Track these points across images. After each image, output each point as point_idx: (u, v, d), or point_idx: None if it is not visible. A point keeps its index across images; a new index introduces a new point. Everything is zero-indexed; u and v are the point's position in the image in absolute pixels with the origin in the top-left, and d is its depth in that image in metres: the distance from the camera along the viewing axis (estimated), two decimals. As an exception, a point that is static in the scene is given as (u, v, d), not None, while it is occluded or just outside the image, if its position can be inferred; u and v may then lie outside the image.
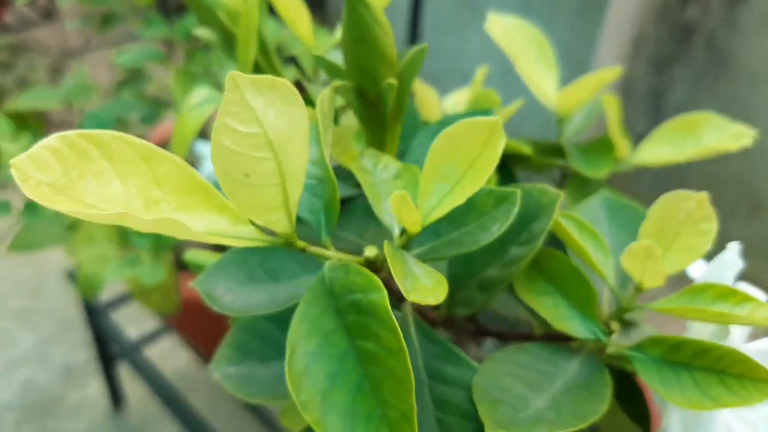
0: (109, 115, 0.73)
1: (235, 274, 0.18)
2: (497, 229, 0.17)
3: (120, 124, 0.79)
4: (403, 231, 0.17)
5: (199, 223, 0.16)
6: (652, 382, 0.18)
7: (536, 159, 0.28)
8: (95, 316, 1.02)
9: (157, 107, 0.78)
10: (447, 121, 0.24)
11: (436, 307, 0.22)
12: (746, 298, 0.18)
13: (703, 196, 0.19)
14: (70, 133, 0.16)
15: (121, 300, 1.09)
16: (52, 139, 0.15)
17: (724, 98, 1.38)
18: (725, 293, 0.18)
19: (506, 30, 0.34)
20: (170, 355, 1.31)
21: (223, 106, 0.14)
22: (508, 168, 0.28)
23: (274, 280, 0.19)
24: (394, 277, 0.15)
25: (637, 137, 1.38)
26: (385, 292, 0.15)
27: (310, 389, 0.14)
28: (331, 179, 0.17)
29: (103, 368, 1.14)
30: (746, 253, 1.09)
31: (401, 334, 0.14)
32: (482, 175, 0.16)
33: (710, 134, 0.31)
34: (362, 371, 0.15)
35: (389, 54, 0.19)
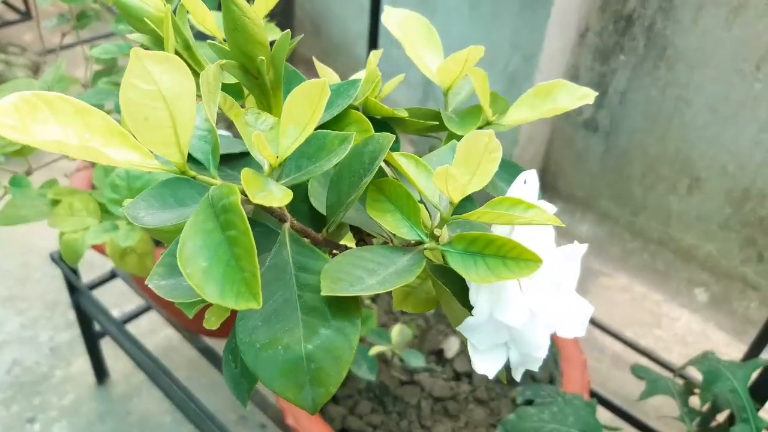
0: (88, 103, 0.78)
1: (154, 203, 0.25)
2: (337, 159, 0.24)
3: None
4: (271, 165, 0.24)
5: (118, 156, 0.22)
6: (457, 268, 0.25)
7: (411, 121, 0.35)
8: (78, 295, 1.08)
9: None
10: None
11: (318, 232, 0.29)
12: (530, 206, 0.25)
13: (491, 132, 0.25)
14: (27, 92, 0.22)
15: (103, 280, 1.14)
16: (13, 97, 0.21)
17: (664, 82, 1.47)
18: (515, 203, 0.25)
19: (399, 20, 0.41)
20: (150, 333, 1.37)
21: (128, 70, 0.21)
22: (390, 128, 0.35)
23: (182, 205, 0.25)
24: (246, 190, 0.21)
25: (584, 123, 1.47)
26: (239, 195, 0.22)
27: (195, 267, 0.21)
28: (214, 131, 0.23)
29: (87, 346, 1.20)
30: (687, 227, 1.21)
31: (247, 219, 0.21)
32: (317, 119, 0.23)
33: (562, 97, 0.38)
34: (230, 252, 0.21)
35: (260, 38, 0.26)
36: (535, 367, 0.29)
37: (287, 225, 0.26)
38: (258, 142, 0.22)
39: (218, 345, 1.16)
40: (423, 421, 0.77)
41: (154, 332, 1.43)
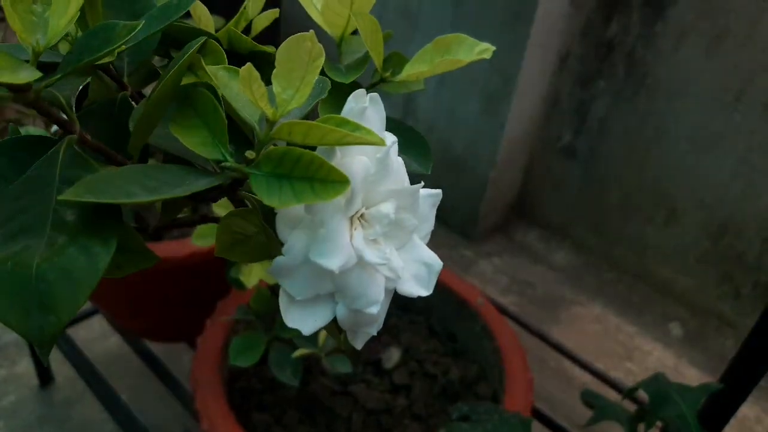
0: None
1: None
2: (112, 48, 0.20)
3: None
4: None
5: None
6: (260, 193, 0.20)
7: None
8: None
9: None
10: (165, 6, 0.27)
11: (130, 158, 0.25)
12: (358, 127, 0.21)
13: (312, 33, 0.21)
14: None
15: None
16: None
17: (642, 110, 1.45)
18: (343, 122, 0.21)
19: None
20: (102, 338, 1.33)
21: None
22: (258, 69, 0.31)
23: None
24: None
25: (563, 149, 1.45)
26: None
27: None
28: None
29: (30, 347, 1.16)
30: (664, 259, 1.17)
31: None
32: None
33: (461, 51, 0.34)
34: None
35: None
36: (373, 330, 0.24)
37: (72, 136, 0.22)
38: (9, 16, 0.18)
39: (163, 354, 1.11)
40: (352, 435, 0.71)
41: (105, 338, 1.38)
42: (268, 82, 0.23)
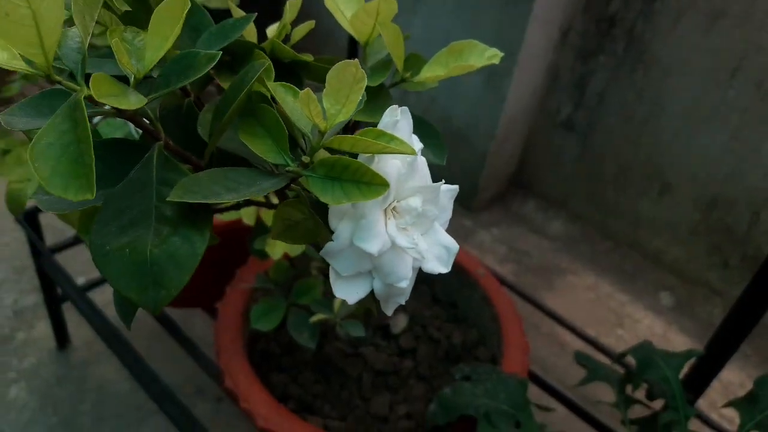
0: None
1: (30, 111, 0.26)
2: (199, 74, 0.25)
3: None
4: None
5: (-14, 57, 0.23)
6: (315, 191, 0.26)
7: (316, 66, 0.36)
8: (41, 259, 1.08)
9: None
10: (223, 24, 0.32)
11: (201, 157, 0.30)
12: (393, 138, 0.26)
13: (356, 61, 0.26)
14: None
15: (68, 244, 1.15)
16: None
17: (639, 86, 1.49)
18: (380, 134, 0.26)
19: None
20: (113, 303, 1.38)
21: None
22: (297, 74, 0.36)
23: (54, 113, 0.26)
24: (92, 91, 0.22)
25: (563, 121, 1.49)
26: (84, 92, 0.23)
27: (45, 161, 0.22)
28: (84, 44, 0.24)
29: (49, 311, 1.21)
30: (656, 231, 1.23)
31: (87, 118, 0.22)
32: (178, 32, 0.24)
33: (473, 56, 0.39)
34: (78, 149, 0.22)
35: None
36: (401, 300, 0.30)
37: (160, 143, 0.27)
38: (117, 50, 0.23)
39: (178, 316, 1.17)
40: (363, 393, 0.78)
41: (120, 302, 1.43)
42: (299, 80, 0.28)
